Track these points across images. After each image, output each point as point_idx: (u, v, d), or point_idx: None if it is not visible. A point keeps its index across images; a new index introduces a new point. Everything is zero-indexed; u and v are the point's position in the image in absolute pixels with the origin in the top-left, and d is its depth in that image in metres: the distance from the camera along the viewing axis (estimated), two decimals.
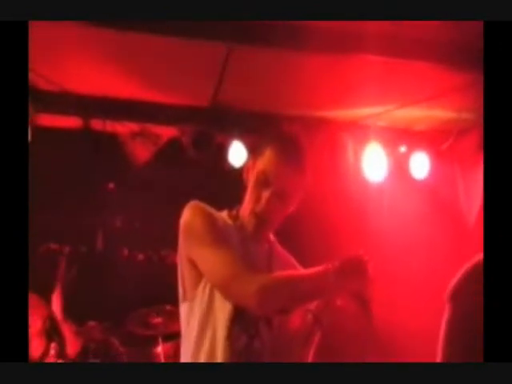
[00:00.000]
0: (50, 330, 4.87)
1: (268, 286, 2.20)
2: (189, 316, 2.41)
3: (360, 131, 5.34)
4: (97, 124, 4.70)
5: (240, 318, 2.33)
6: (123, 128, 4.81)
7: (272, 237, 2.58)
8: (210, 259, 2.32)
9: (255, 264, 2.39)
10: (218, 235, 2.34)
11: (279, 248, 2.59)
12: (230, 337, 2.30)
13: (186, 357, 2.41)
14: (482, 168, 5.24)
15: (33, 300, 4.64)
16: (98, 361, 5.01)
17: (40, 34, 2.95)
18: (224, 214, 2.50)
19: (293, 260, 2.61)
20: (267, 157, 2.42)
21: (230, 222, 2.46)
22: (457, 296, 2.84)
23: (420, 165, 5.44)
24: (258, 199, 2.38)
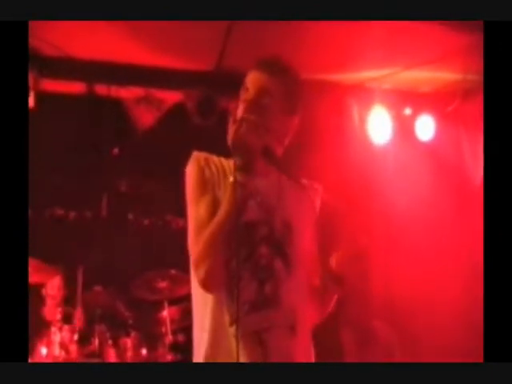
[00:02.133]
0: (57, 295, 4.91)
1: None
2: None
3: (365, 94, 5.33)
4: (101, 89, 4.68)
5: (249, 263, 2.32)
6: (127, 93, 4.79)
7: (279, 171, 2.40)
8: (189, 213, 2.33)
9: (266, 196, 2.35)
10: (201, 189, 2.32)
11: (293, 182, 2.43)
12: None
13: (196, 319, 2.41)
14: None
15: (39, 265, 4.66)
16: (103, 325, 5.05)
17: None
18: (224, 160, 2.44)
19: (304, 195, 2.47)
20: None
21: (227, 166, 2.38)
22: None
23: (425, 127, 5.44)
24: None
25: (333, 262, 2.38)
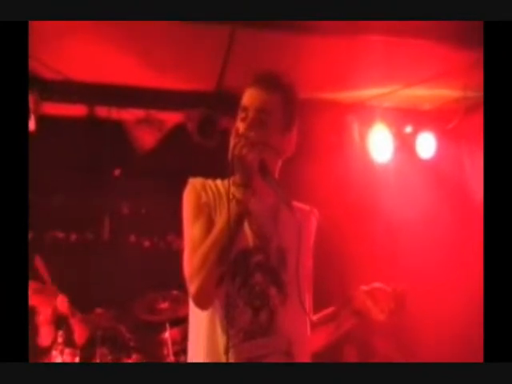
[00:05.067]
0: (57, 318, 4.89)
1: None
2: None
3: (366, 112, 5.33)
4: (102, 111, 4.69)
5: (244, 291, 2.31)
6: (128, 115, 4.80)
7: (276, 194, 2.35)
8: (185, 236, 2.33)
9: (261, 222, 2.36)
10: (197, 212, 2.32)
11: (289, 207, 2.33)
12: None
13: (191, 341, 2.41)
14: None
15: (40, 287, 4.64)
16: (105, 347, 5.03)
17: (42, 22, 2.93)
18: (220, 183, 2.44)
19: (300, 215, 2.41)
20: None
21: (222, 189, 2.39)
22: None
23: (426, 145, 5.44)
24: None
25: (358, 296, 2.40)
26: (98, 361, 4.87)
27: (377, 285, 2.41)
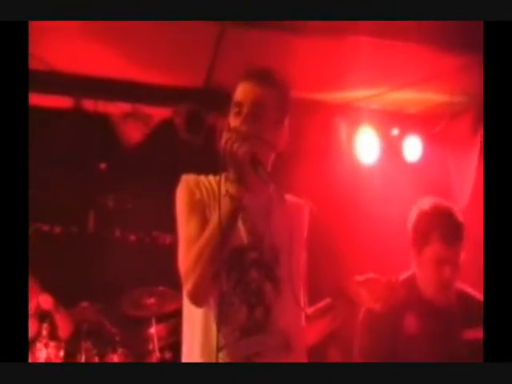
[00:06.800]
0: (41, 311, 4.87)
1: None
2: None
3: (353, 114, 5.34)
4: (88, 104, 4.67)
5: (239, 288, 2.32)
6: (115, 108, 4.78)
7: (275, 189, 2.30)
8: (180, 233, 2.34)
9: (255, 219, 2.37)
10: (191, 209, 2.33)
11: (282, 201, 2.34)
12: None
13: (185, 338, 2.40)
14: (474, 151, 5.25)
15: None
16: (90, 341, 5.01)
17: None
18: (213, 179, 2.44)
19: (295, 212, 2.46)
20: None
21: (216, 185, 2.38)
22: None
23: (412, 147, 5.45)
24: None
25: (353, 287, 2.41)
26: (82, 355, 4.86)
27: (371, 275, 2.42)
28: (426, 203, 2.96)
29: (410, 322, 2.88)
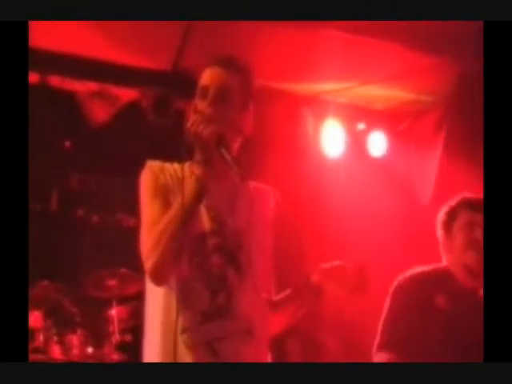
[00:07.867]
0: None
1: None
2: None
3: (320, 106, 5.37)
4: (54, 80, 4.62)
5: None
6: (81, 86, 4.73)
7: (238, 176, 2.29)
8: (142, 216, 2.35)
9: (219, 204, 2.37)
10: (154, 193, 2.34)
11: (246, 186, 2.41)
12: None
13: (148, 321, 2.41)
14: (437, 149, 5.31)
15: None
16: (50, 321, 4.98)
17: None
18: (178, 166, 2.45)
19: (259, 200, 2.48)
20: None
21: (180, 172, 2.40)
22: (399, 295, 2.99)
23: (377, 143, 5.51)
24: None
25: (319, 274, 2.41)
26: (41, 334, 4.82)
27: (337, 262, 2.44)
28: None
29: (440, 300, 2.95)
